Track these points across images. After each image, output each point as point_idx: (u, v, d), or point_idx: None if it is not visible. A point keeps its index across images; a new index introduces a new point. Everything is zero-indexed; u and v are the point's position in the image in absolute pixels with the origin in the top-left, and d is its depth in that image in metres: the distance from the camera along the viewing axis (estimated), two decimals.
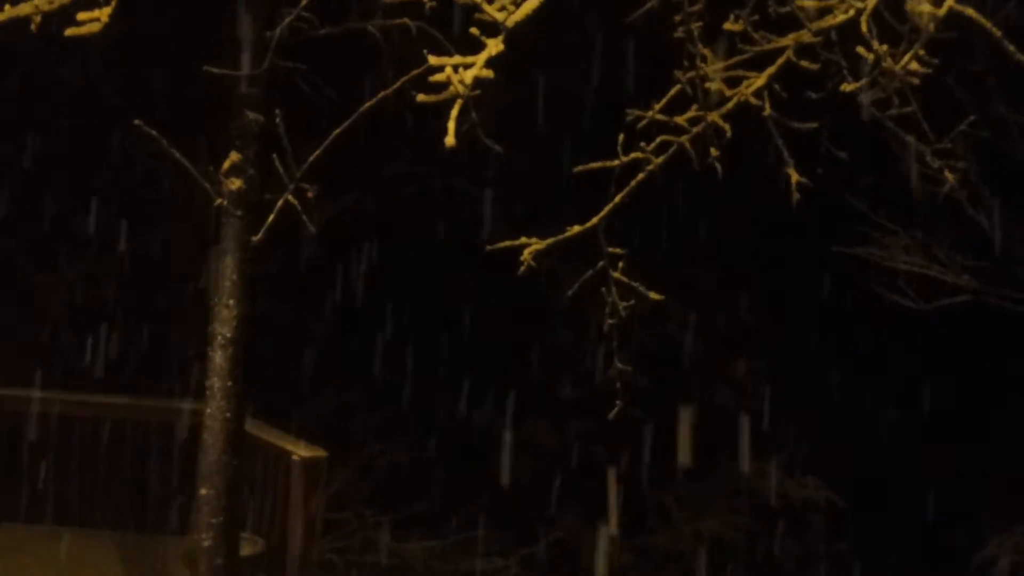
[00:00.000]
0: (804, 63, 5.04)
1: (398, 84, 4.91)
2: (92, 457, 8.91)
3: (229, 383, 5.98)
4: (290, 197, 5.91)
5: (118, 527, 8.80)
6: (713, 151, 5.06)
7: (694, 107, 5.07)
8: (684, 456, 10.94)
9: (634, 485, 12.73)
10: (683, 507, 12.62)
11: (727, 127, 5.10)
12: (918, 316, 9.52)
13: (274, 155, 5.86)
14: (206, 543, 5.94)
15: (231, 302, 5.99)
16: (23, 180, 11.12)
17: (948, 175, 5.28)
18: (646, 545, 12.50)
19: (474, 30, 4.12)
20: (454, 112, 3.99)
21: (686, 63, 5.05)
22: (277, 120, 5.41)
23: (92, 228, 11.28)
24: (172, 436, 8.68)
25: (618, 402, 5.61)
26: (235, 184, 5.93)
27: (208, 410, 5.99)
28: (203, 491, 5.96)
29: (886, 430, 13.00)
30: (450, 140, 4.07)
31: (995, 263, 9.23)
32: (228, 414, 5.97)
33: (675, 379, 12.84)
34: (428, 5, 4.78)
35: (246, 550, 7.13)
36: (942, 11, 4.22)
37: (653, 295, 5.37)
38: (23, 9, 4.85)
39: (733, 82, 5.14)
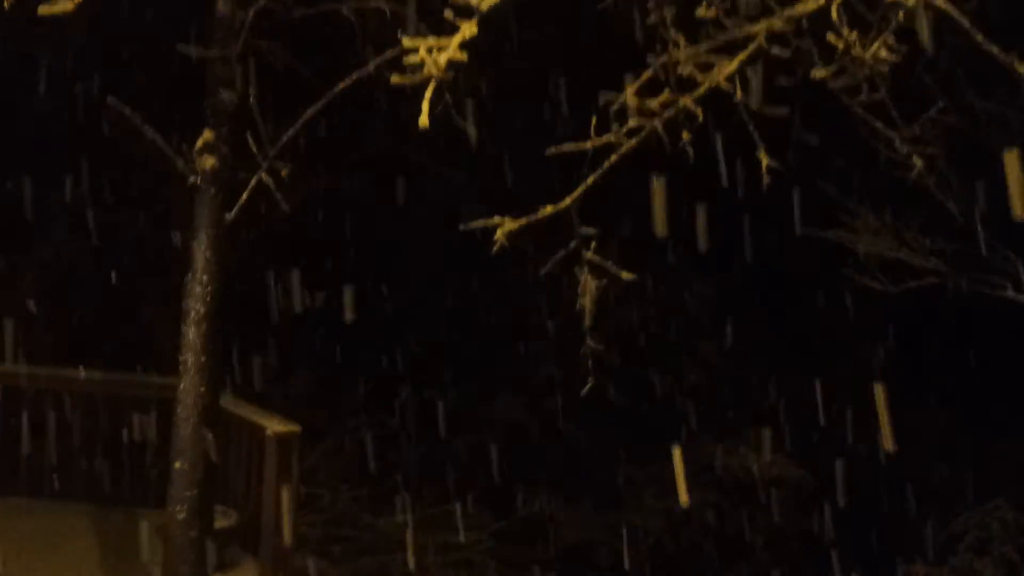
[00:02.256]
0: (775, 50, 5.10)
1: (372, 65, 4.95)
2: (67, 431, 8.94)
3: (203, 358, 6.04)
4: (264, 175, 5.97)
5: (93, 500, 8.84)
6: (685, 135, 5.12)
7: (666, 91, 5.13)
8: None
9: (607, 462, 12.85)
10: (653, 484, 12.73)
11: (699, 111, 5.16)
12: (887, 298, 9.62)
13: (248, 134, 5.91)
14: (180, 516, 6.02)
15: (204, 278, 6.04)
16: None
17: (916, 160, 5.36)
18: (615, 522, 12.61)
19: (448, 13, 4.17)
20: (428, 93, 4.04)
21: (659, 48, 5.10)
22: (251, 99, 5.44)
23: (66, 208, 11.27)
24: (146, 410, 8.72)
25: (590, 379, 5.68)
26: (209, 162, 5.97)
27: (182, 385, 6.06)
28: (177, 464, 6.03)
29: (855, 408, 13.13)
30: (424, 121, 4.12)
31: (962, 247, 9.34)
32: (202, 389, 6.04)
33: (647, 358, 12.95)
34: None
35: (220, 523, 7.20)
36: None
37: (625, 274, 5.44)
38: None
39: (705, 67, 5.19)
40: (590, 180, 5.27)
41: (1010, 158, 4.36)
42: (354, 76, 5.20)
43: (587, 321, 5.65)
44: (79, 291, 10.90)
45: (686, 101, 5.14)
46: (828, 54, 4.89)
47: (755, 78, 5.03)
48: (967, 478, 12.20)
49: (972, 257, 9.23)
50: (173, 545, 6.04)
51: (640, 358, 12.73)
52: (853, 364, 12.72)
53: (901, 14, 4.43)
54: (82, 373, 8.99)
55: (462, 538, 11.57)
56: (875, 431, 11.30)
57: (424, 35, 4.18)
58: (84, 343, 9.25)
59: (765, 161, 5.21)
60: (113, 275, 11.00)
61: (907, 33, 4.72)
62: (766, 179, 5.23)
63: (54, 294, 10.66)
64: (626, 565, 12.33)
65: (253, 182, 5.95)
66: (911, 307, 10.39)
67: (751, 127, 5.10)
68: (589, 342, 5.70)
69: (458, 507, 11.88)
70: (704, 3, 4.94)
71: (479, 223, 5.47)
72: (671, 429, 12.39)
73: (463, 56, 4.08)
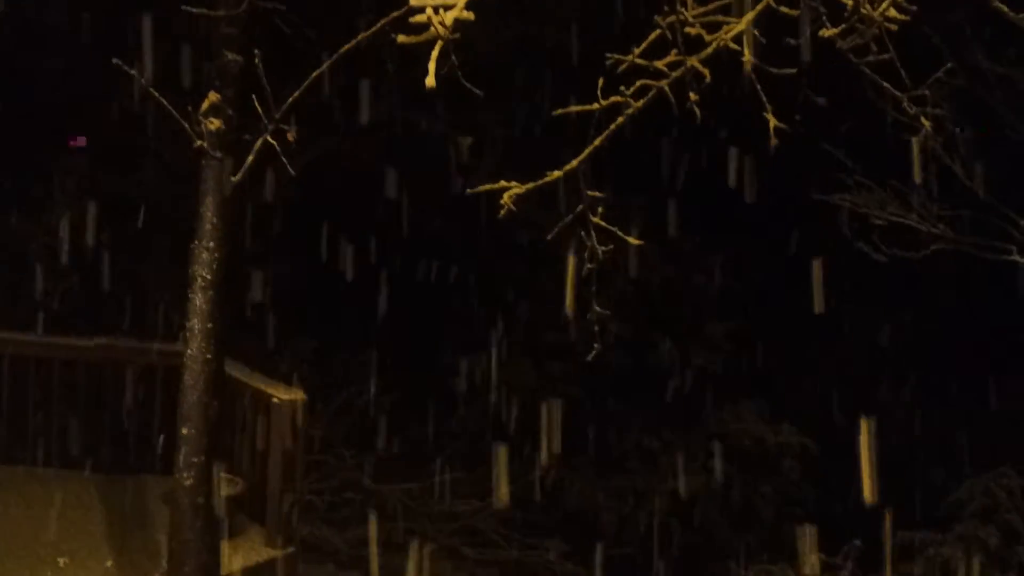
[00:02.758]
0: (784, 9, 5.05)
1: (378, 25, 4.89)
2: (72, 399, 8.96)
3: (209, 324, 6.03)
4: (270, 138, 5.93)
5: (99, 468, 8.87)
6: (692, 96, 5.08)
7: (673, 52, 5.08)
8: None
9: (614, 429, 12.86)
10: (662, 451, 12.75)
11: (706, 72, 5.12)
12: (894, 264, 9.58)
13: (253, 96, 5.86)
14: (187, 482, 6.01)
15: (211, 244, 6.02)
16: (3, 125, 11.06)
17: (924, 122, 5.32)
18: (622, 487, 12.63)
19: None
20: (434, 54, 3.99)
21: (666, 8, 5.05)
22: (256, 60, 5.40)
23: (73, 172, 11.24)
24: (153, 377, 8.73)
25: (596, 345, 5.67)
26: (214, 125, 5.93)
27: (188, 351, 6.05)
28: (184, 431, 6.02)
29: (861, 376, 13.14)
30: (430, 82, 4.08)
31: (970, 212, 9.30)
32: (208, 355, 6.03)
33: (655, 328, 12.94)
34: None
35: (227, 490, 7.21)
36: None
37: (632, 240, 5.41)
38: None
39: (713, 27, 5.14)
40: (597, 142, 5.23)
41: None
42: (360, 37, 5.14)
43: (593, 286, 5.63)
44: (86, 257, 10.88)
45: (692, 61, 5.11)
46: (836, 13, 4.85)
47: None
48: (972, 444, 12.19)
49: (979, 222, 9.20)
50: (180, 511, 6.04)
51: (648, 325, 12.72)
52: (861, 331, 12.72)
53: None
54: (88, 340, 9.00)
55: (468, 505, 11.60)
56: (884, 398, 11.39)
57: None
58: (89, 310, 9.24)
59: (772, 122, 5.17)
60: (118, 240, 11.00)
61: None
62: (773, 141, 5.19)
63: (61, 259, 10.65)
64: (632, 532, 12.37)
65: (258, 145, 5.91)
66: (920, 272, 10.37)
67: (758, 87, 5.06)
68: (595, 307, 5.68)
69: (464, 474, 11.91)
70: None
71: (486, 187, 5.45)
72: (678, 396, 12.42)
73: (470, 15, 4.04)
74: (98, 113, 11.65)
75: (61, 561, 6.05)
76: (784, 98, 5.41)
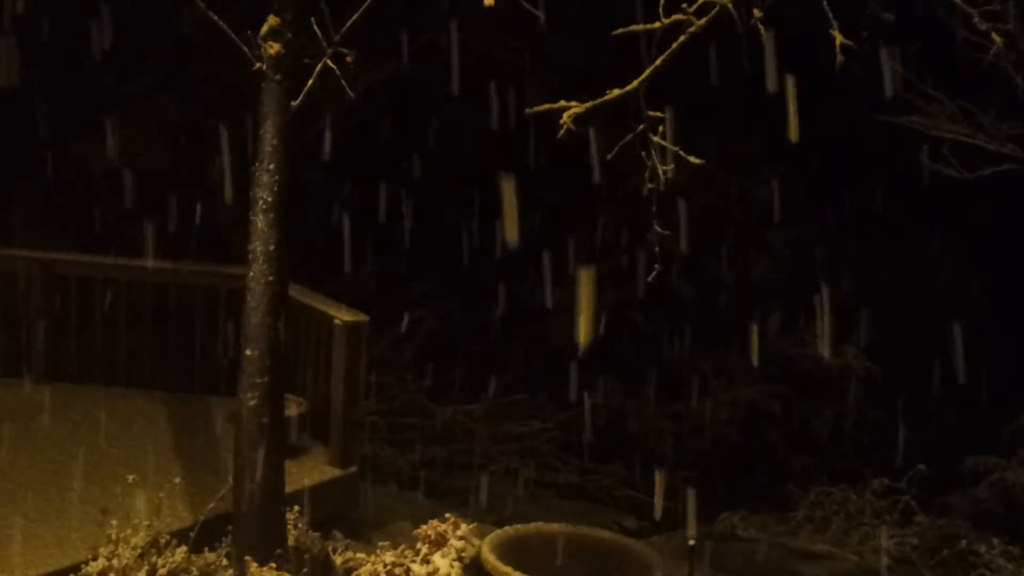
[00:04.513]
0: None
1: None
2: (139, 320, 9.10)
3: (271, 247, 6.06)
4: (328, 61, 5.93)
5: (166, 389, 9.02)
6: (756, 12, 4.99)
7: None
8: None
9: (674, 355, 12.84)
10: (721, 375, 12.73)
11: None
12: (960, 186, 9.41)
13: (312, 19, 5.85)
14: (251, 402, 6.08)
15: (271, 167, 6.04)
16: (69, 49, 11.13)
17: (995, 37, 5.19)
18: (682, 411, 12.64)
19: None
20: None
21: None
22: None
23: (136, 95, 11.29)
24: (217, 300, 8.83)
25: (656, 267, 5.65)
26: (273, 48, 5.93)
27: (251, 273, 6.09)
28: (248, 352, 6.08)
29: (925, 300, 12.98)
30: (488, 0, 4.05)
31: None
32: (271, 277, 6.06)
33: (715, 248, 12.85)
34: None
35: (290, 411, 7.30)
36: None
37: (693, 159, 5.36)
38: None
39: None
40: (659, 61, 5.18)
41: None
42: None
43: (654, 206, 5.59)
44: (148, 180, 10.98)
45: None
46: None
47: None
48: None
49: None
50: (244, 431, 6.11)
51: (707, 247, 12.62)
52: (926, 254, 12.55)
53: None
54: (154, 263, 9.11)
55: (527, 427, 11.69)
56: (948, 323, 11.23)
57: None
58: (153, 231, 9.33)
59: (839, 39, 5.07)
60: (180, 163, 11.07)
61: None
62: (839, 58, 5.09)
63: (125, 182, 10.75)
64: (690, 457, 12.40)
65: (319, 68, 5.91)
66: (985, 194, 10.17)
67: (824, 3, 4.96)
68: (656, 228, 5.64)
69: (523, 397, 11.99)
70: None
71: (546, 106, 5.41)
72: (738, 319, 12.36)
73: None
74: (159, 38, 11.69)
75: (130, 478, 6.17)
76: (851, 15, 5.30)
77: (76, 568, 5.82)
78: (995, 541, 9.24)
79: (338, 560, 6.43)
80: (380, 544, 6.33)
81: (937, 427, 12.00)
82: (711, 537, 9.77)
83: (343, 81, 5.90)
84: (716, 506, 10.46)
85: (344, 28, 5.89)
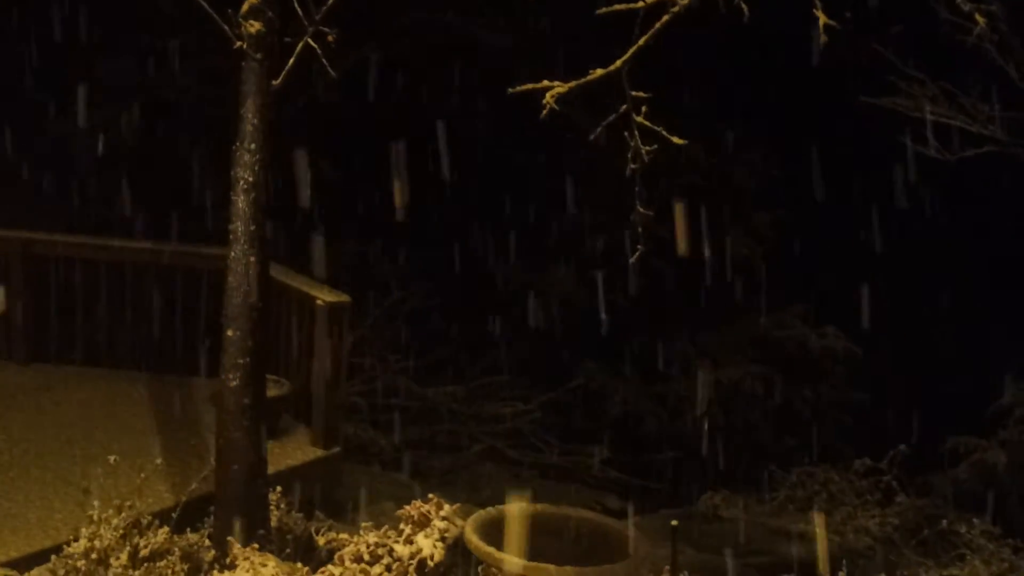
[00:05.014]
0: None
1: None
2: (119, 301, 9.05)
3: (252, 227, 6.02)
4: (310, 40, 5.89)
5: (146, 369, 8.98)
6: None
7: None
8: None
9: (656, 332, 12.86)
10: (702, 355, 12.76)
11: None
12: (942, 167, 9.44)
13: None
14: (233, 383, 6.05)
15: (252, 146, 5.99)
16: (51, 30, 11.05)
17: (978, 18, 5.18)
18: (664, 392, 12.67)
19: None
20: None
21: None
22: None
23: (116, 75, 11.22)
24: (198, 280, 8.79)
25: (639, 247, 5.63)
26: (254, 27, 5.88)
27: (232, 253, 6.05)
28: (229, 332, 6.04)
29: (906, 281, 13.02)
30: None
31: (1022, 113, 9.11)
32: (252, 257, 6.03)
33: (696, 229, 12.84)
34: None
35: (272, 392, 7.28)
36: None
37: (676, 139, 5.35)
38: None
39: None
40: (642, 41, 5.16)
41: None
42: None
43: (636, 187, 5.58)
44: (126, 160, 10.93)
45: None
46: None
47: None
48: (1020, 352, 12.09)
49: None
50: (226, 412, 6.08)
51: (690, 228, 12.61)
52: (906, 235, 12.56)
53: None
54: (134, 243, 9.05)
55: (510, 408, 11.70)
56: (929, 302, 11.32)
57: None
58: (132, 214, 9.30)
59: (823, 20, 5.06)
60: (159, 143, 11.02)
61: None
62: (823, 39, 5.08)
63: (104, 161, 10.71)
64: (673, 438, 12.43)
65: (299, 47, 5.87)
66: (967, 175, 10.20)
67: None
68: (639, 209, 5.63)
69: (506, 378, 11.99)
70: None
71: (529, 86, 5.39)
72: (721, 301, 12.38)
73: None
74: (140, 15, 11.61)
75: (112, 459, 6.14)
76: None
77: (58, 549, 5.80)
78: (975, 521, 9.29)
79: (321, 540, 6.42)
80: (363, 524, 6.32)
81: (918, 408, 12.06)
82: (693, 517, 9.80)
83: (324, 60, 5.86)
84: (698, 486, 10.50)
85: (325, 7, 5.85)
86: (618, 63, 5.26)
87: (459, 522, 5.84)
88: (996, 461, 10.55)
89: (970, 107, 8.94)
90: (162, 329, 9.00)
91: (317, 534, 6.45)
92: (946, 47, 8.11)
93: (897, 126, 9.47)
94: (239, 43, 5.92)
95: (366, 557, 5.92)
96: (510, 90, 5.38)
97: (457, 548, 5.79)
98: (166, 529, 5.91)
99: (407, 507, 6.07)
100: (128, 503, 5.81)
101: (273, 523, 6.28)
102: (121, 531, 5.71)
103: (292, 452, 7.72)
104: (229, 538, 5.86)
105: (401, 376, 11.53)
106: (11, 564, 6.06)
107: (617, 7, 5.11)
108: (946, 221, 12.76)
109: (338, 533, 6.51)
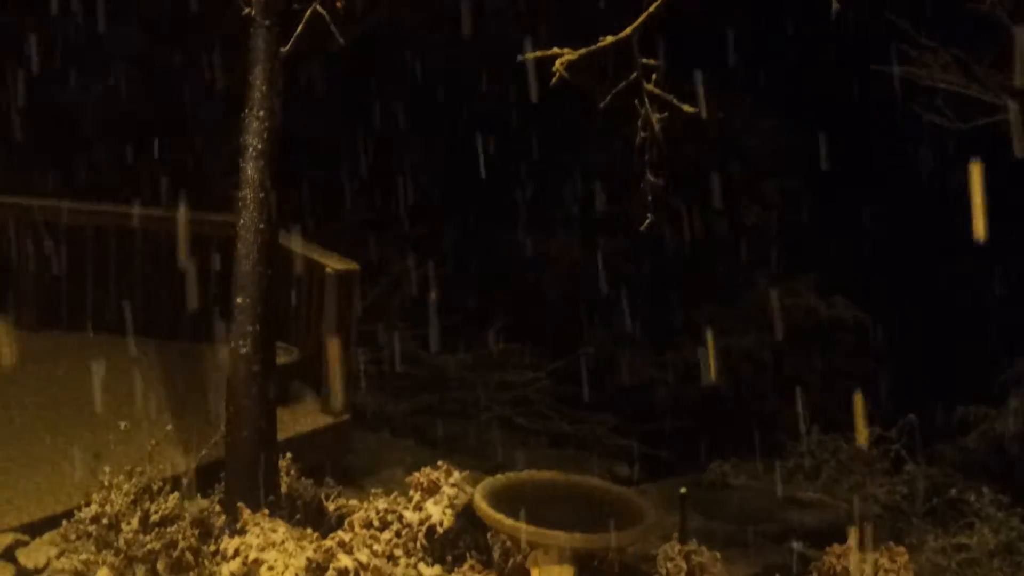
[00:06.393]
0: None
1: None
2: (128, 268, 9.06)
3: (261, 194, 6.01)
4: (319, 7, 5.87)
5: (158, 336, 9.00)
6: None
7: None
8: None
9: (664, 303, 12.86)
10: (713, 324, 12.75)
11: None
12: (954, 136, 9.38)
13: None
14: (243, 350, 6.06)
15: (261, 113, 5.98)
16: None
17: None
18: (673, 361, 12.67)
19: None
20: None
21: None
22: None
23: (123, 41, 11.18)
24: (208, 247, 8.79)
25: (649, 215, 5.62)
26: None
27: (241, 221, 6.04)
28: (239, 300, 6.05)
29: (916, 251, 12.98)
30: None
31: None
32: (261, 225, 6.02)
33: (706, 200, 12.82)
34: None
35: (281, 359, 7.28)
36: None
37: (686, 107, 5.32)
38: None
39: None
40: (652, 8, 5.13)
41: None
42: None
43: (646, 155, 5.56)
44: (136, 127, 10.91)
45: None
46: None
47: None
48: None
49: None
50: (236, 379, 6.09)
51: (700, 197, 12.60)
52: (915, 204, 12.52)
53: None
54: (144, 210, 9.05)
55: (520, 376, 11.71)
56: (938, 273, 11.27)
57: None
58: (141, 179, 9.28)
59: None
60: (169, 110, 10.99)
61: None
62: (835, 6, 5.04)
63: (112, 129, 10.69)
64: (682, 406, 12.44)
65: (308, 14, 5.85)
66: (980, 144, 10.14)
67: None
68: (649, 177, 5.61)
69: (515, 346, 12.00)
70: None
71: (538, 53, 5.36)
72: (730, 269, 12.35)
73: None
74: None
75: (122, 424, 6.16)
76: None
77: (69, 514, 5.83)
78: (984, 490, 9.28)
79: (331, 507, 6.44)
80: (373, 491, 6.34)
81: (927, 377, 12.05)
82: (702, 485, 9.82)
83: (333, 27, 5.84)
84: (707, 454, 10.51)
85: None
86: (628, 30, 5.23)
87: (468, 489, 5.87)
88: (1005, 430, 10.54)
89: (982, 76, 8.88)
90: (173, 296, 9.01)
91: (327, 500, 6.48)
92: (958, 15, 8.05)
93: (910, 95, 9.41)
94: (248, 9, 5.90)
95: (376, 523, 5.94)
96: (520, 57, 5.36)
97: (466, 515, 5.82)
98: (176, 495, 5.93)
99: (416, 474, 6.09)
100: (139, 469, 5.83)
101: (283, 489, 6.30)
102: (132, 496, 5.74)
103: (302, 419, 7.74)
104: (239, 504, 5.89)
105: (411, 343, 11.54)
106: (23, 528, 6.10)
107: None
108: (956, 189, 12.69)
109: (348, 499, 6.54)
